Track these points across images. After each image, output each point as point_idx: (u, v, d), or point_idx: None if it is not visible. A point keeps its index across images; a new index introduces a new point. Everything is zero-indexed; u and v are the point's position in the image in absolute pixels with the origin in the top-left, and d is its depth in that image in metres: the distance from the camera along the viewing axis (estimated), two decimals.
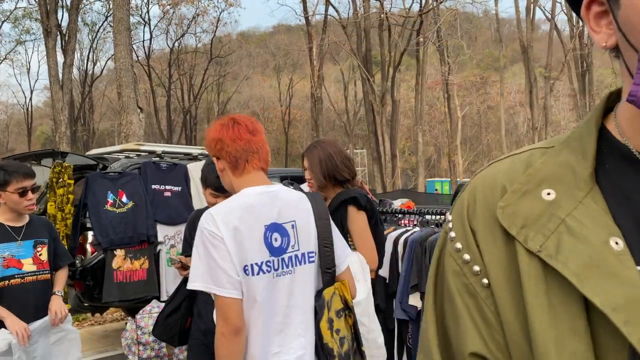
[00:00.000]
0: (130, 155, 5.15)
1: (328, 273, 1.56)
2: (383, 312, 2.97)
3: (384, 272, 3.02)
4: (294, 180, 6.56)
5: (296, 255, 1.53)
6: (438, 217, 3.27)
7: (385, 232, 3.11)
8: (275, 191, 1.55)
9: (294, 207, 1.55)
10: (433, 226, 3.26)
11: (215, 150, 1.57)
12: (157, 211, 4.44)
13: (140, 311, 4.02)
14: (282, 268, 1.49)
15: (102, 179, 4.37)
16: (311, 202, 1.59)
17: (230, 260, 1.41)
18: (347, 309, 1.58)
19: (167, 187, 4.61)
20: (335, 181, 2.44)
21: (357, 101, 38.16)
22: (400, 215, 3.62)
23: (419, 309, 2.91)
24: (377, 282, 2.87)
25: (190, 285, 1.40)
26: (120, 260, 4.17)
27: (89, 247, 4.23)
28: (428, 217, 3.45)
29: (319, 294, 1.54)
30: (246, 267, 1.43)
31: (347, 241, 2.35)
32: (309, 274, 1.54)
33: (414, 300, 2.92)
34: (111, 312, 6.15)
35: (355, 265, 2.28)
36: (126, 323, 4.61)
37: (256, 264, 1.45)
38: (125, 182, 4.43)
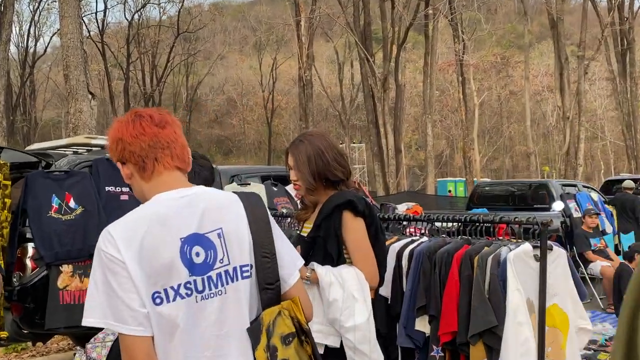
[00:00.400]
0: (80, 151, 5.13)
1: (269, 289, 1.52)
2: (384, 338, 2.95)
3: (386, 290, 3.01)
4: (278, 181, 6.63)
5: (227, 272, 1.48)
6: (451, 224, 3.28)
7: (387, 243, 3.10)
8: (195, 194, 1.51)
9: (220, 211, 1.51)
10: (444, 235, 3.26)
11: (117, 153, 1.53)
12: (111, 218, 4.42)
13: (92, 339, 4.00)
14: (209, 289, 1.45)
15: (45, 180, 4.33)
16: (244, 203, 1.56)
17: (134, 289, 1.37)
18: (302, 333, 1.53)
19: (124, 190, 4.59)
20: (327, 182, 2.45)
21: (354, 85, 38.31)
22: (405, 223, 3.64)
23: (426, 335, 2.90)
24: (377, 303, 2.84)
25: (85, 321, 1.36)
26: (67, 278, 4.14)
27: (28, 262, 4.20)
28: (438, 224, 3.45)
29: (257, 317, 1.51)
30: (157, 295, 1.38)
31: (342, 253, 2.37)
32: (244, 293, 1.50)
33: (421, 324, 2.91)
34: (56, 340, 6.12)
35: (352, 282, 2.29)
36: (75, 354, 4.58)
37: (172, 287, 1.40)
38: (74, 184, 4.40)
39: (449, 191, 33.67)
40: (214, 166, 7.21)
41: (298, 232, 2.65)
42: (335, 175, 2.44)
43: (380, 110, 24.33)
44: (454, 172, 51.70)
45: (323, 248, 2.38)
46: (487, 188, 13.11)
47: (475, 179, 27.67)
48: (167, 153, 1.53)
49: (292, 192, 5.94)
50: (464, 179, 31.47)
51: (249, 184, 6.07)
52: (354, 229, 2.35)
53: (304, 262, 1.70)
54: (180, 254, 1.43)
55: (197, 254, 1.46)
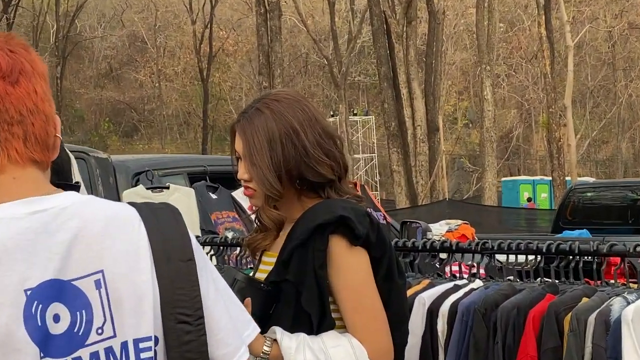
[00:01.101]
0: None
1: None
2: None
3: None
4: (220, 182, 6.62)
5: (110, 351, 1.51)
6: (524, 258, 3.29)
7: (410, 291, 3.10)
8: (57, 209, 1.51)
9: (102, 240, 1.52)
10: (512, 278, 3.28)
11: None
12: None
13: None
14: None
15: None
16: (147, 224, 1.57)
17: None
18: None
19: None
20: (303, 185, 2.48)
21: (354, 13, 38.32)
22: (443, 255, 3.65)
23: None
24: None
25: None
26: None
27: None
28: (502, 258, 3.45)
29: None
30: None
31: (328, 311, 2.38)
32: None
33: None
34: None
35: None
36: None
37: None
38: None
39: (529, 199, 33.67)
40: (104, 156, 7.13)
41: (250, 272, 2.66)
42: (317, 174, 2.45)
43: (401, 58, 24.40)
44: (531, 167, 51.89)
45: (294, 301, 2.39)
46: (588, 194, 13.22)
47: (568, 178, 27.88)
48: (16, 133, 1.53)
49: (243, 202, 5.94)
50: (549, 178, 31.60)
51: (168, 188, 6.06)
52: (349, 267, 2.37)
53: (259, 329, 1.73)
54: (25, 317, 1.43)
55: (57, 318, 1.47)
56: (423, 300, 3.13)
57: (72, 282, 1.48)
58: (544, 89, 30.74)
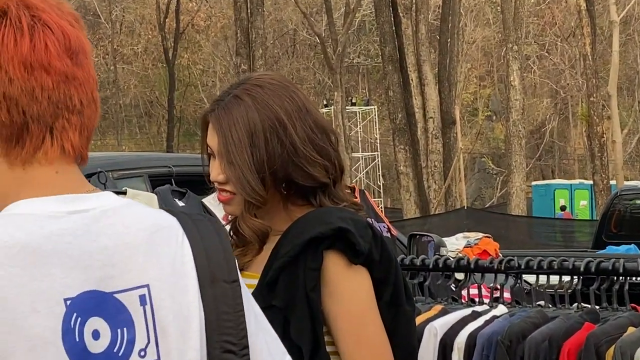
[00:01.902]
0: None
1: None
2: None
3: None
4: (188, 186, 6.61)
5: None
6: (557, 280, 3.31)
7: (418, 319, 3.11)
8: (99, 210, 1.58)
9: (148, 251, 1.59)
10: (543, 304, 3.30)
11: None
12: None
13: None
14: None
15: None
16: (190, 237, 1.63)
17: None
18: None
19: None
20: (291, 189, 2.49)
21: None
22: (460, 276, 3.68)
23: None
24: None
25: None
26: None
27: None
28: (531, 278, 3.46)
29: None
30: None
31: (321, 343, 2.40)
32: None
33: None
34: None
35: None
36: None
37: None
38: None
39: (563, 208, 33.55)
40: None
41: None
42: (308, 176, 2.46)
43: (409, 35, 24.43)
44: (568, 168, 51.87)
45: (282, 332, 2.35)
46: (638, 202, 13.24)
47: (613, 182, 27.92)
48: (74, 123, 1.61)
49: (217, 210, 5.93)
50: (590, 181, 31.61)
51: (124, 193, 6.04)
52: (348, 291, 2.39)
53: None
54: (63, 331, 1.47)
55: (96, 335, 1.51)
56: (435, 330, 3.15)
57: (114, 295, 1.54)
58: (583, 73, 30.91)
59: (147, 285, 1.56)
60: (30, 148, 1.58)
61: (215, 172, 2.53)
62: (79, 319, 1.49)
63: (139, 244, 1.58)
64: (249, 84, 2.54)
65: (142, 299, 1.55)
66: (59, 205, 1.55)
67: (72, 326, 1.48)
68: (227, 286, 1.63)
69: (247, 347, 1.63)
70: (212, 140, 2.52)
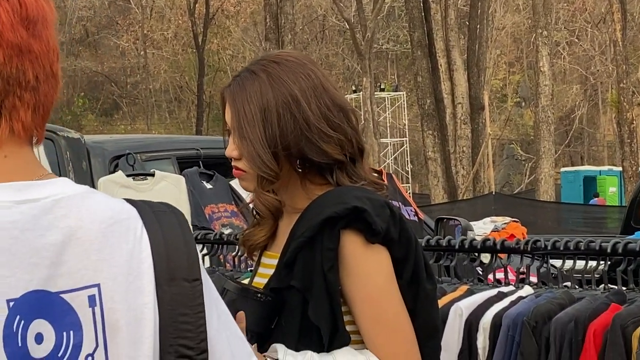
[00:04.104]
0: None
1: None
2: None
3: None
4: (216, 168, 6.62)
5: None
6: (584, 264, 3.32)
7: (444, 299, 3.13)
8: (50, 200, 1.50)
9: (102, 247, 1.51)
10: (569, 284, 3.31)
11: None
12: None
13: None
14: None
15: None
16: (150, 231, 1.55)
17: None
18: None
19: None
20: (306, 166, 2.48)
21: None
22: (485, 258, 3.66)
23: None
24: None
25: None
26: None
27: None
28: (557, 262, 3.45)
29: None
30: None
31: (340, 323, 2.39)
32: None
33: None
34: None
35: None
36: None
37: None
38: None
39: (596, 194, 33.45)
40: (76, 135, 7.18)
41: (249, 275, 2.66)
42: (321, 152, 2.45)
43: (438, 21, 24.39)
44: (598, 155, 51.73)
45: (300, 313, 2.40)
46: None
47: None
48: (27, 101, 1.52)
49: (245, 192, 5.94)
50: (619, 168, 31.45)
51: (152, 175, 6.09)
52: (366, 270, 2.37)
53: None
54: (4, 336, 1.43)
55: (39, 338, 1.46)
56: (460, 310, 3.14)
57: (60, 295, 1.48)
58: (613, 59, 30.75)
59: (98, 285, 1.49)
60: None
61: (230, 147, 2.54)
62: (22, 321, 1.44)
63: (93, 239, 1.50)
64: (267, 60, 2.55)
65: (92, 300, 1.49)
66: (6, 193, 1.47)
67: (14, 330, 1.43)
68: (187, 285, 1.55)
69: (205, 351, 1.56)
70: (228, 115, 2.53)
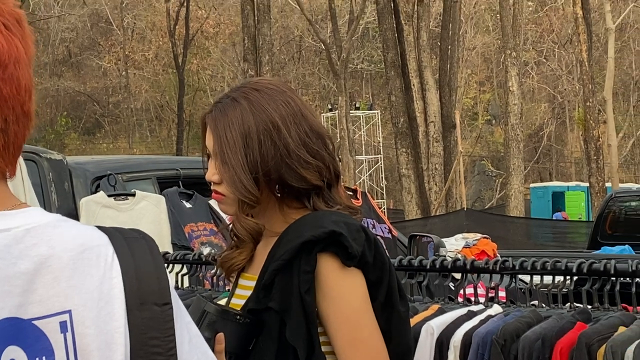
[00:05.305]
0: None
1: None
2: None
3: None
4: (196, 188, 6.60)
5: None
6: (551, 279, 3.31)
7: (416, 318, 3.12)
8: (22, 229, 1.49)
9: (72, 275, 1.50)
10: (536, 304, 3.30)
11: None
12: None
13: None
14: None
15: None
16: (121, 257, 1.54)
17: None
18: None
19: None
20: (285, 191, 2.48)
21: None
22: (457, 275, 3.66)
23: None
24: None
25: None
26: None
27: None
28: (526, 278, 3.45)
29: None
30: None
31: (316, 346, 2.38)
32: None
33: None
34: None
35: None
36: None
37: None
38: None
39: (559, 210, 33.58)
40: (58, 157, 7.14)
41: (224, 297, 2.64)
42: (300, 178, 2.44)
43: (411, 42, 24.40)
44: (565, 171, 51.88)
45: (278, 334, 2.39)
46: (632, 203, 13.25)
47: (608, 185, 27.88)
48: None
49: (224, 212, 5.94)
50: (586, 184, 31.55)
51: (133, 195, 6.06)
52: (342, 293, 2.37)
53: None
54: None
55: None
56: (431, 329, 3.13)
57: (32, 322, 1.47)
58: (579, 79, 30.82)
59: (69, 311, 1.48)
60: None
61: (211, 171, 2.53)
62: None
63: (64, 266, 1.49)
64: (248, 87, 2.54)
65: (63, 326, 1.47)
66: None
67: None
68: (157, 309, 1.54)
69: None
70: (209, 140, 2.52)
